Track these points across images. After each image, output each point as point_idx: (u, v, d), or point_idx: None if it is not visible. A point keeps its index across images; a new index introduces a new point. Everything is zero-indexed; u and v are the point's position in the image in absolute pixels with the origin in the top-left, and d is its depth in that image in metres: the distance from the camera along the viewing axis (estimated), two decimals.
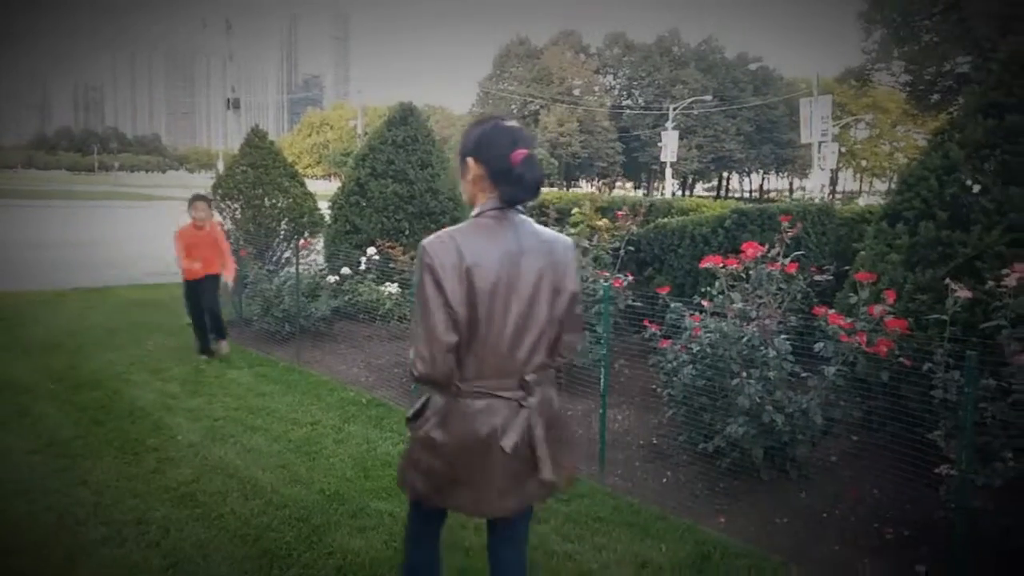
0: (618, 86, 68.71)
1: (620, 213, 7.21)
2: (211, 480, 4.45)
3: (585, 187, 62.63)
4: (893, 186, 5.19)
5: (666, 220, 7.11)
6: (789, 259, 5.01)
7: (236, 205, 9.27)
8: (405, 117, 9.12)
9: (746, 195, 65.82)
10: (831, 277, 5.45)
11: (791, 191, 67.51)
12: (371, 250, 7.53)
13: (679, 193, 58.57)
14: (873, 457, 4.50)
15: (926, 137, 5.43)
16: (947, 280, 4.02)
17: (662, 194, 45.84)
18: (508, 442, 2.25)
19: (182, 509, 4.05)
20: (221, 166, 24.44)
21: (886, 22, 30.50)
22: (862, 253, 5.01)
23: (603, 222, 6.78)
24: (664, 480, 4.71)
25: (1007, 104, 4.53)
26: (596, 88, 65.37)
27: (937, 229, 4.49)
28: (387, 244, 7.40)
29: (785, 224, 5.26)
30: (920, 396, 3.86)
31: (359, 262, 7.32)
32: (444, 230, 2.23)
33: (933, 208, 4.58)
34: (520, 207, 2.27)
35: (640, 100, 65.34)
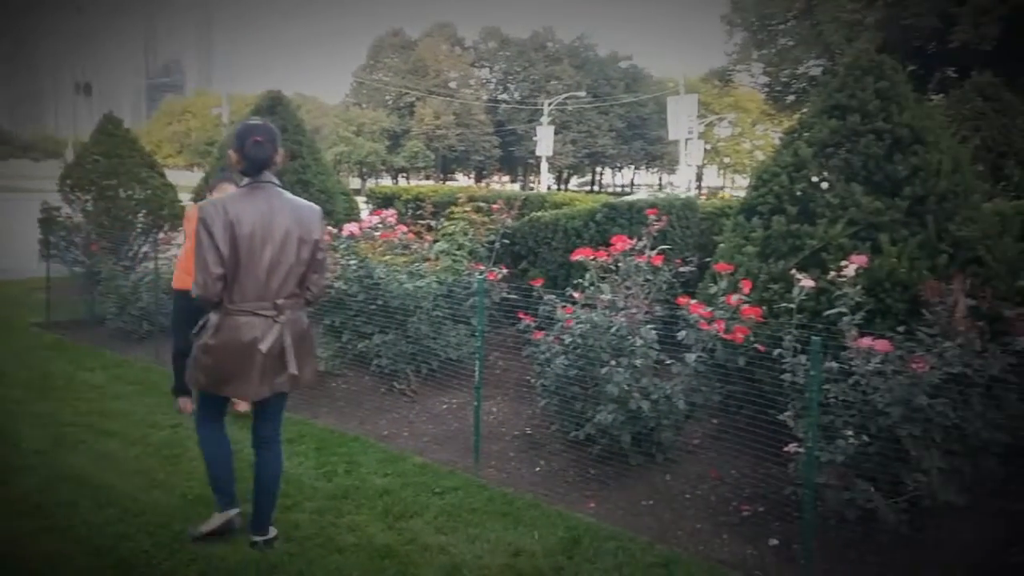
0: (494, 80, 69.09)
1: (495, 207, 7.26)
2: (60, 489, 4.18)
3: (462, 180, 62.69)
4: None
5: (540, 214, 7.23)
6: (655, 251, 5.20)
7: (87, 197, 8.72)
8: (273, 106, 8.82)
9: (618, 189, 67.70)
10: (694, 268, 5.70)
11: (660, 186, 69.99)
12: None
13: (555, 187, 59.58)
14: (732, 439, 4.74)
15: (782, 136, 5.75)
16: (794, 271, 4.27)
17: (538, 188, 46.52)
18: (264, 346, 3.29)
19: (29, 521, 3.79)
20: (71, 154, 22.89)
21: (746, 25, 31.97)
22: (721, 245, 5.25)
23: (479, 216, 6.81)
24: (537, 469, 4.80)
25: (849, 106, 4.85)
26: (472, 81, 65.47)
27: (787, 223, 4.76)
28: None
29: (651, 218, 5.45)
30: (772, 380, 4.10)
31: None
32: (215, 197, 3.48)
33: (784, 203, 4.85)
34: (276, 182, 3.39)
35: (516, 95, 65.95)
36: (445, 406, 5.81)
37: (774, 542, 3.83)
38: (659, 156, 67.38)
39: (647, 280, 5.13)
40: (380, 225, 6.53)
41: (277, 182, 3.42)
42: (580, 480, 4.58)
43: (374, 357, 5.96)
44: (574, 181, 71.22)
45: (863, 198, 4.57)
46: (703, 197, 32.12)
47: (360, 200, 11.62)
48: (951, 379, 3.61)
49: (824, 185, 4.82)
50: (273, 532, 3.63)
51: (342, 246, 6.18)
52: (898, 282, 4.33)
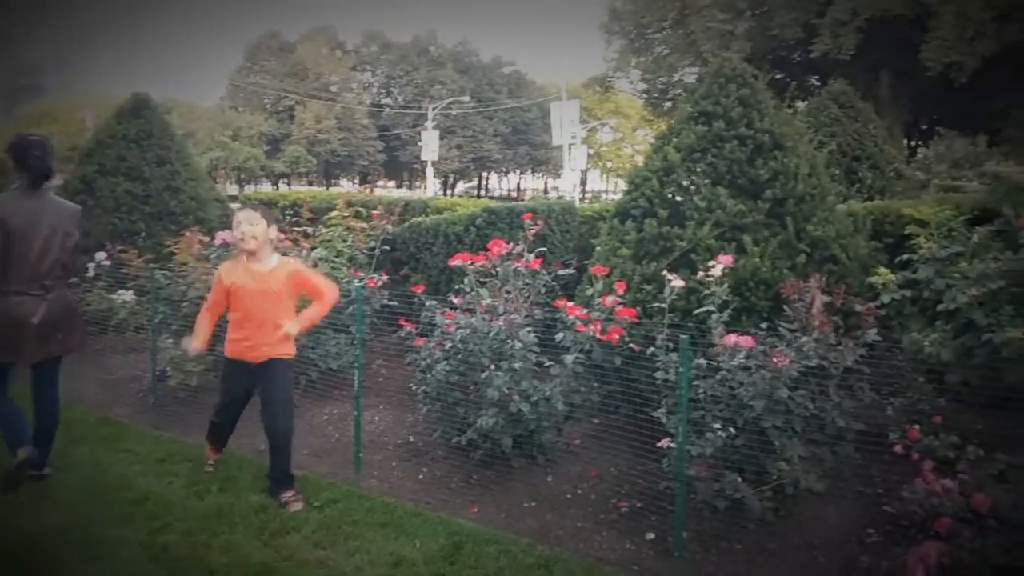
0: (376, 84, 68.27)
1: (375, 213, 7.17)
2: None
3: (346, 186, 61.60)
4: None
5: (420, 219, 7.19)
6: (533, 255, 5.26)
7: None
8: (138, 109, 8.40)
9: (504, 194, 68.28)
10: (573, 271, 5.81)
11: (546, 191, 70.95)
12: (100, 255, 6.87)
13: (441, 192, 59.44)
14: (612, 437, 4.84)
15: (652, 141, 5.93)
16: (665, 271, 4.41)
17: (424, 193, 46.29)
18: (36, 319, 4.05)
19: None
20: None
21: (623, 34, 32.90)
22: (598, 248, 5.37)
23: (358, 223, 6.70)
24: (420, 477, 4.75)
25: (714, 113, 5.06)
26: (354, 85, 64.45)
27: (659, 225, 4.92)
28: (119, 248, 6.78)
29: (528, 222, 5.51)
30: (647, 378, 4.22)
31: (87, 268, 6.65)
32: None
33: (656, 206, 5.01)
34: (47, 185, 4.28)
35: (399, 99, 65.41)
36: (325, 417, 5.67)
37: (651, 536, 3.93)
38: (544, 161, 68.29)
39: (526, 284, 5.19)
40: None
41: (48, 186, 4.31)
42: (463, 486, 4.57)
43: None
44: (461, 186, 71.26)
45: (728, 201, 4.78)
46: (587, 201, 32.86)
47: (237, 207, 11.24)
48: (809, 372, 3.82)
49: (692, 189, 5.01)
50: (48, 470, 4.38)
51: (213, 255, 5.94)
52: (761, 281, 4.55)
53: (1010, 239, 4.01)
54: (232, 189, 49.60)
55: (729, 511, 3.76)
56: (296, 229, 6.26)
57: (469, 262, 4.90)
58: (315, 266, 5.95)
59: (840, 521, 3.97)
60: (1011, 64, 22.40)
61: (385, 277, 6.26)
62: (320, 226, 6.59)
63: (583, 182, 62.71)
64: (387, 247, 6.90)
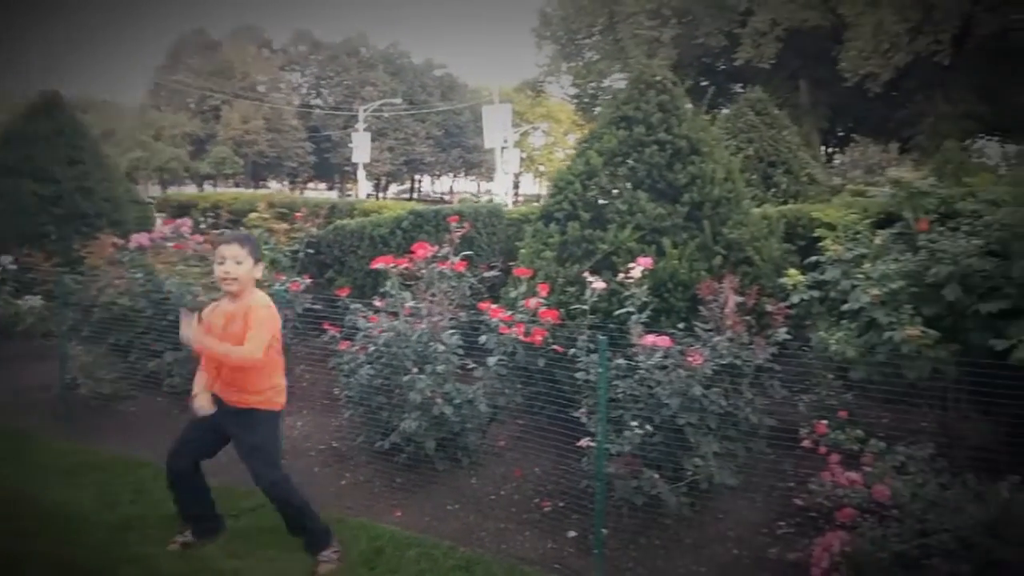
0: (306, 84, 67.24)
1: (299, 215, 7.07)
2: None
3: (275, 188, 60.47)
4: None
5: (345, 222, 7.12)
6: (458, 258, 5.27)
7: None
8: (48, 108, 8.10)
9: (437, 197, 68.01)
10: (499, 273, 5.84)
11: (479, 194, 70.99)
12: (6, 258, 6.59)
13: (373, 195, 58.89)
14: (536, 438, 4.89)
15: (575, 145, 6.00)
16: (587, 274, 4.48)
17: (356, 195, 45.76)
18: None
19: None
20: None
21: (554, 39, 33.26)
22: (522, 251, 5.41)
23: (281, 224, 6.60)
24: (343, 482, 4.71)
25: (635, 118, 5.16)
26: (282, 85, 63.38)
27: (581, 228, 4.99)
28: (27, 251, 6.52)
29: (454, 224, 5.52)
30: (570, 379, 4.27)
31: None
32: None
33: (578, 209, 5.08)
34: None
35: (330, 100, 64.51)
36: None
37: (572, 534, 3.99)
38: (477, 164, 68.34)
39: (451, 286, 5.19)
40: (172, 235, 6.17)
41: None
42: (387, 490, 4.55)
43: (167, 376, 5.61)
44: (393, 189, 70.75)
45: (648, 204, 4.88)
46: (520, 204, 33.02)
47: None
48: (723, 370, 3.93)
49: (615, 192, 5.10)
50: None
51: (127, 259, 5.77)
52: (679, 282, 4.66)
53: (910, 241, 4.21)
54: (154, 190, 48.14)
55: (647, 507, 3.84)
56: (214, 232, 6.13)
57: (392, 265, 4.88)
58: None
59: (753, 514, 4.10)
60: (921, 75, 23.47)
61: (308, 280, 6.18)
62: (241, 228, 6.46)
63: (516, 186, 62.99)
64: (311, 250, 6.82)
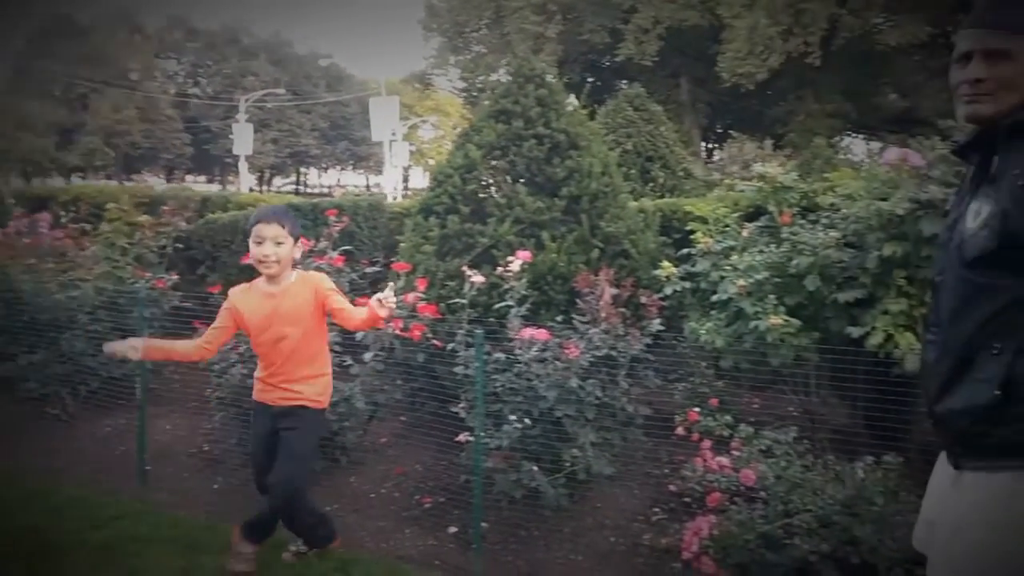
0: (182, 73, 64.39)
1: (166, 208, 6.73)
2: None
3: (151, 180, 57.63)
4: None
5: (217, 215, 6.83)
6: (337, 252, 5.14)
7: None
8: None
9: (325, 191, 66.55)
10: (381, 268, 5.73)
11: (368, 187, 69.95)
12: None
13: (256, 188, 57.05)
14: (417, 435, 4.84)
15: (454, 139, 5.95)
16: (466, 267, 4.45)
17: (238, 188, 44.22)
18: None
19: None
20: None
21: (441, 31, 33.13)
22: (402, 245, 5.34)
23: (145, 218, 6.27)
24: (216, 487, 4.53)
25: (514, 111, 5.16)
26: (157, 74, 60.43)
27: (461, 222, 4.96)
28: None
29: (332, 218, 5.39)
30: (450, 374, 4.24)
31: None
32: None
33: (458, 203, 5.04)
34: None
35: (208, 89, 62.00)
36: (109, 428, 5.27)
37: (453, 529, 3.96)
38: (365, 157, 67.29)
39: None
40: (27, 230, 5.76)
41: None
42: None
43: (21, 381, 5.23)
44: (277, 182, 68.74)
45: (527, 198, 4.90)
46: (410, 197, 32.68)
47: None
48: (599, 361, 3.99)
49: (493, 186, 5.10)
50: None
51: None
52: (558, 275, 4.70)
53: (774, 234, 4.39)
54: (17, 183, 44.98)
55: (527, 499, 3.85)
56: (72, 226, 5.76)
57: None
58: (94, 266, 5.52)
59: (629, 502, 4.19)
60: (793, 75, 24.68)
61: (175, 277, 5.89)
62: (103, 223, 6.10)
63: (406, 179, 62.38)
64: (180, 245, 6.51)
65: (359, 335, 4.43)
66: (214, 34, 61.99)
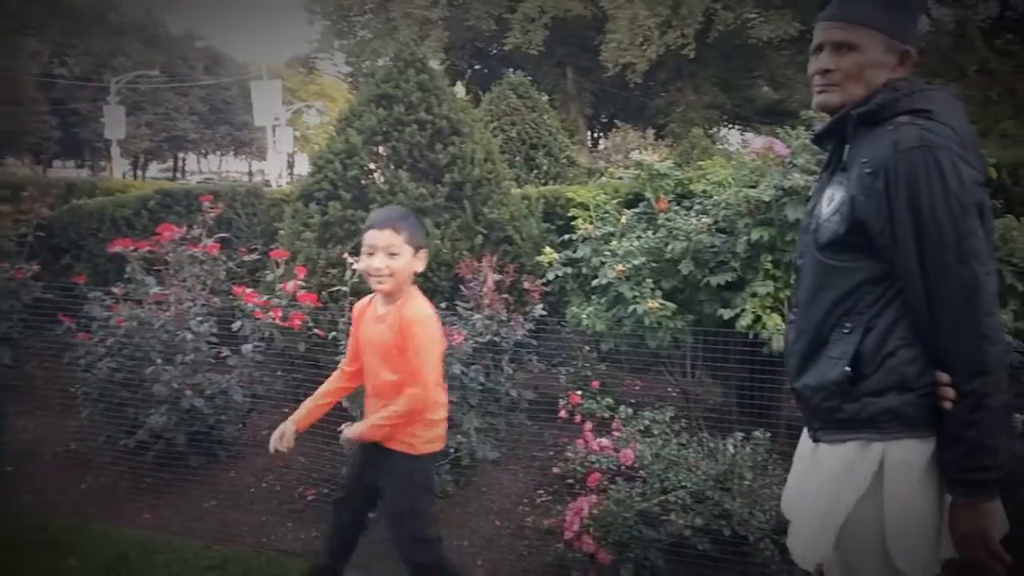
0: (47, 52, 60.34)
1: (27, 195, 6.30)
2: None
3: (14, 165, 53.78)
4: None
5: (82, 202, 6.45)
6: (212, 240, 4.95)
7: None
8: None
9: (205, 177, 63.93)
10: (260, 256, 5.56)
11: (251, 174, 67.73)
12: None
13: (130, 174, 54.27)
14: None
15: (334, 123, 5.83)
16: (347, 255, 4.38)
17: (111, 174, 41.90)
18: None
19: None
20: None
21: (325, 14, 32.29)
22: (282, 232, 5.20)
23: (4, 207, 5.85)
24: (84, 487, 4.30)
25: (395, 96, 5.10)
26: (19, 52, 56.34)
27: (343, 208, 4.86)
28: None
29: (207, 204, 5.18)
30: (333, 363, 4.15)
31: None
32: None
33: (339, 189, 4.95)
34: None
35: (76, 70, 58.35)
36: None
37: None
38: (247, 142, 65.10)
39: (204, 271, 4.87)
40: None
41: None
42: (134, 491, 4.20)
43: None
44: (154, 168, 65.59)
45: (409, 184, 4.85)
46: (294, 184, 31.83)
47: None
48: (483, 347, 4.01)
49: (375, 171, 5.03)
50: None
51: None
52: (443, 262, 4.69)
53: (651, 220, 4.52)
54: None
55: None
56: None
57: (132, 248, 4.48)
58: None
59: (514, 485, 4.24)
60: (673, 67, 25.45)
61: (36, 267, 5.53)
62: None
63: (291, 165, 60.72)
64: (43, 233, 6.11)
65: (236, 325, 4.29)
66: (79, 10, 58.30)
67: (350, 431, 2.69)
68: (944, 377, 1.67)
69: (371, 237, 2.69)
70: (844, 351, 1.77)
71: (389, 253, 2.65)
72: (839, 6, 1.85)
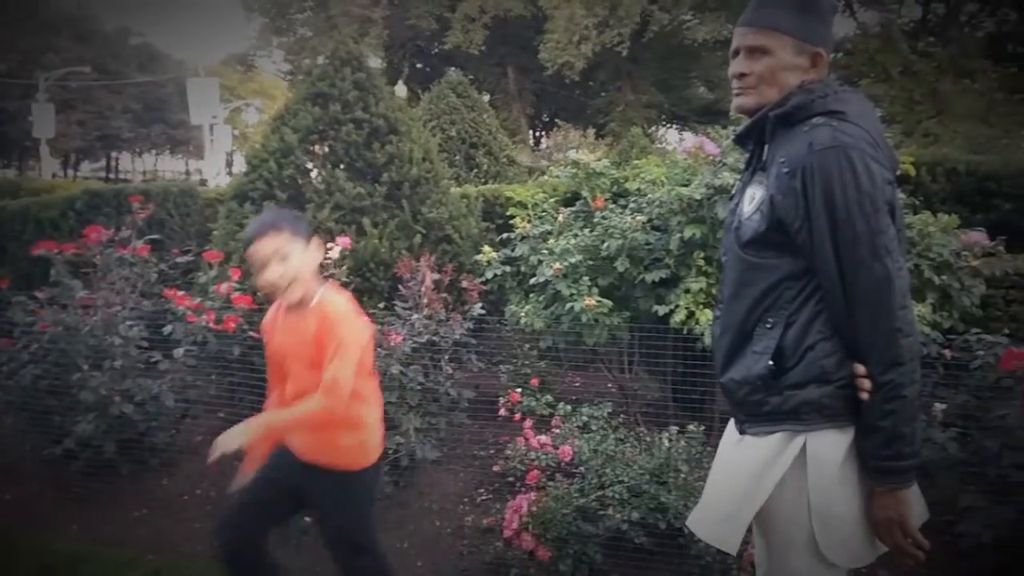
0: None
1: None
2: None
3: None
4: None
5: (4, 203, 6.22)
6: (142, 241, 4.82)
7: None
8: None
9: (140, 177, 62.23)
10: (193, 258, 5.44)
11: (188, 173, 66.21)
12: None
13: (60, 174, 52.53)
14: None
15: (268, 122, 5.73)
16: None
17: (40, 174, 40.51)
18: None
19: None
20: None
21: (263, 11, 31.71)
22: (216, 233, 5.09)
23: None
24: (7, 497, 4.15)
25: (331, 95, 5.04)
26: None
27: (279, 208, 4.79)
28: None
29: (136, 205, 5.05)
30: None
31: None
32: None
33: (275, 188, 4.87)
34: None
35: (3, 66, 56.23)
36: None
37: None
38: (184, 141, 63.55)
39: (134, 273, 4.75)
40: None
41: None
42: (60, 502, 4.07)
43: None
44: (86, 167, 63.58)
45: (347, 184, 4.80)
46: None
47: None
48: (422, 347, 3.99)
49: (311, 171, 4.96)
50: None
51: None
52: (381, 262, 4.65)
53: (588, 218, 4.55)
54: None
55: None
56: None
57: (57, 251, 4.34)
58: None
59: (455, 485, 4.23)
60: (612, 66, 25.71)
61: None
62: None
63: (229, 164, 59.50)
64: None
65: (167, 329, 4.19)
66: (7, 4, 56.19)
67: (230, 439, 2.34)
68: (861, 369, 1.72)
69: (255, 252, 2.39)
70: (767, 346, 1.82)
71: (280, 258, 2.38)
72: (752, 12, 1.90)
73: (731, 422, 2.02)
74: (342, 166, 4.91)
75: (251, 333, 4.24)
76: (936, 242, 3.81)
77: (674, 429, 3.66)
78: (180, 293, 4.28)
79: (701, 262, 3.91)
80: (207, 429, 4.83)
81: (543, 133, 32.49)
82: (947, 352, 3.47)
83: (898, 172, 1.92)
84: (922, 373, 1.76)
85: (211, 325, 4.16)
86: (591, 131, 26.16)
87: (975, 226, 4.21)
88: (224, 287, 4.29)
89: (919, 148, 11.02)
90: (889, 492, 1.74)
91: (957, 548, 3.21)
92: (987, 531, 3.04)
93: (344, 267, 4.28)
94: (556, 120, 31.75)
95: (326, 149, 4.95)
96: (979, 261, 3.89)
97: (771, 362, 1.80)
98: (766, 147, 1.90)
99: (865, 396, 1.72)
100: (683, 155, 4.19)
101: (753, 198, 1.87)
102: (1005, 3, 23.62)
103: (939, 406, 3.27)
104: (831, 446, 1.77)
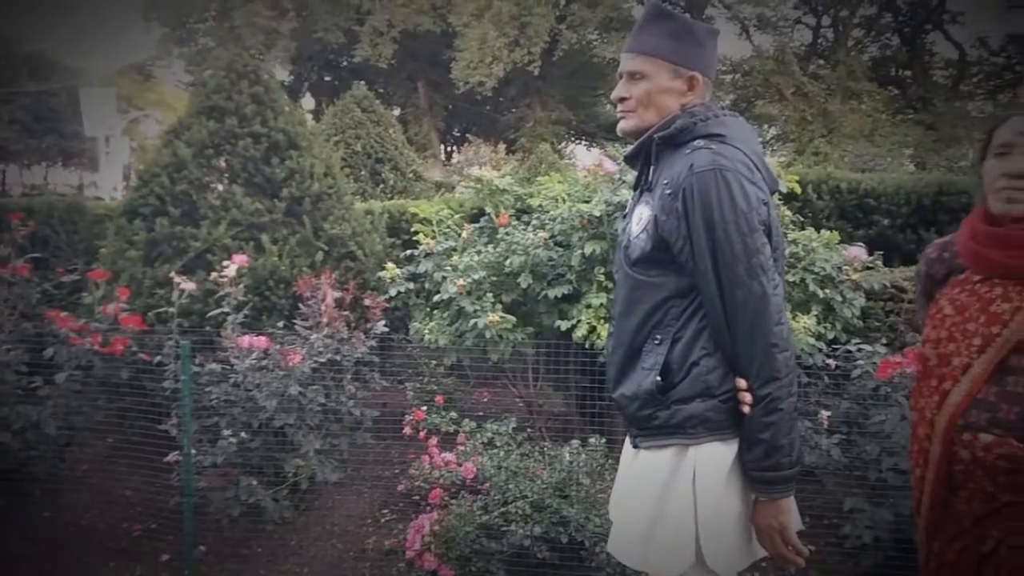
0: None
1: None
2: None
3: None
4: None
5: None
6: (22, 260, 4.57)
7: None
8: None
9: (29, 190, 59.08)
10: (79, 277, 5.18)
11: (81, 187, 63.27)
12: None
13: None
14: (126, 457, 4.43)
15: (161, 135, 5.53)
16: (173, 274, 4.16)
17: None
18: None
19: None
20: None
21: (163, 21, 30.74)
22: (103, 251, 4.88)
23: None
24: None
25: (227, 108, 4.91)
26: None
27: (171, 224, 4.62)
28: None
29: (16, 222, 4.78)
30: (161, 389, 3.93)
31: None
32: None
33: (167, 204, 4.70)
34: None
35: None
36: None
37: (166, 557, 3.67)
38: (78, 153, 60.70)
39: (14, 294, 4.49)
40: None
41: None
42: None
43: None
44: None
45: (244, 199, 4.68)
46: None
47: None
48: (323, 367, 3.91)
49: (207, 186, 4.81)
50: None
51: None
52: (281, 279, 4.54)
53: (492, 234, 4.57)
54: None
55: (246, 516, 3.68)
56: None
57: None
58: None
59: (358, 506, 4.15)
60: (522, 84, 26.01)
61: None
62: None
63: (127, 177, 57.12)
64: None
65: (48, 352, 3.97)
66: None
67: None
68: (742, 383, 1.78)
69: None
70: (655, 361, 1.85)
71: None
72: (633, 39, 1.97)
73: (627, 437, 2.05)
74: (240, 181, 4.78)
75: (141, 355, 4.07)
76: (820, 257, 3.98)
77: (576, 442, 3.70)
78: (63, 314, 4.06)
79: (602, 277, 3.97)
80: (94, 456, 4.61)
81: (455, 148, 32.53)
82: (831, 362, 3.62)
83: (786, 190, 2.00)
84: (808, 382, 1.84)
85: (97, 347, 3.96)
86: (502, 146, 26.33)
87: (857, 241, 4.43)
88: (111, 307, 4.10)
89: (809, 166, 11.53)
90: (771, 501, 1.79)
91: (843, 548, 3.35)
92: (868, 532, 3.18)
93: (241, 285, 4.16)
94: (467, 135, 31.84)
95: (223, 164, 4.81)
96: (859, 275, 4.08)
97: (659, 378, 1.83)
98: (652, 168, 1.94)
99: (747, 409, 1.77)
100: (583, 172, 4.25)
101: (641, 218, 1.92)
102: (888, 29, 25.09)
103: (824, 413, 3.40)
104: (717, 458, 1.82)
